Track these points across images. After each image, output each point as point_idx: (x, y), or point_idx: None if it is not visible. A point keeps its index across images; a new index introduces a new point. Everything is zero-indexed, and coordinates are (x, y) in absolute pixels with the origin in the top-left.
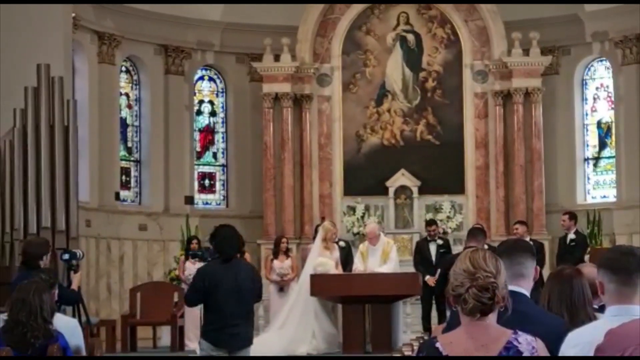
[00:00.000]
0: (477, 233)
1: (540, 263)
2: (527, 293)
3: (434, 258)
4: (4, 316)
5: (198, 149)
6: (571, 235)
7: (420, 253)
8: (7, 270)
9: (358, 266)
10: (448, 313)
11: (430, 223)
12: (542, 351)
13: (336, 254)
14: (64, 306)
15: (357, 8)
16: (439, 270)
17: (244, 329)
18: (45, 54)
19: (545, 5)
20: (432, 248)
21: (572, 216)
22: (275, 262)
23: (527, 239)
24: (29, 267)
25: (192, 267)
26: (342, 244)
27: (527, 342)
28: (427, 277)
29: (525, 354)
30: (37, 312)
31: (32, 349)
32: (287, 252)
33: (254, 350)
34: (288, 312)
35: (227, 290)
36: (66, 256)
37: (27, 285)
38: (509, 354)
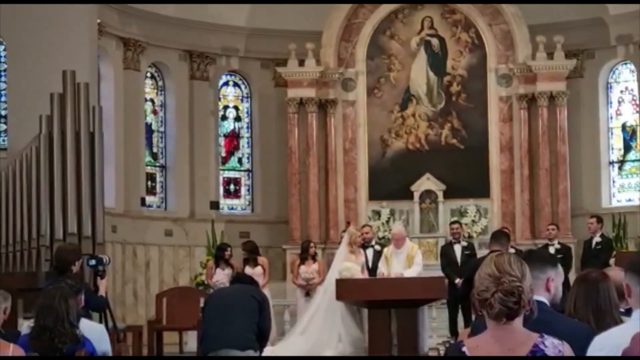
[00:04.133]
0: (500, 237)
1: (567, 267)
2: (547, 301)
3: (459, 260)
4: (31, 322)
5: (223, 154)
6: (597, 239)
7: (445, 256)
8: (34, 276)
9: (382, 270)
10: (474, 317)
11: (453, 222)
12: (569, 355)
13: (362, 258)
14: (91, 312)
15: (381, 13)
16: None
17: None
18: (71, 61)
19: (569, 9)
20: (457, 250)
21: (599, 219)
22: (302, 266)
23: (555, 242)
24: (60, 273)
25: (221, 274)
26: (377, 247)
27: (553, 346)
28: (457, 280)
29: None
30: (63, 318)
31: (60, 354)
32: (314, 257)
33: (278, 354)
34: (311, 317)
35: None
36: (92, 262)
37: (52, 291)
38: (535, 357)
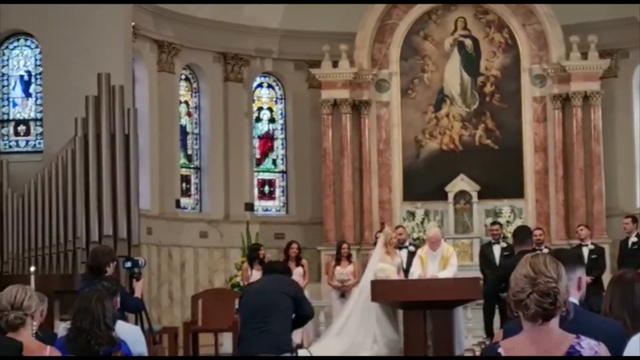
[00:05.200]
0: (525, 237)
1: (601, 268)
2: (577, 301)
3: (497, 261)
4: (67, 324)
5: (257, 156)
6: (633, 239)
7: (484, 256)
8: (70, 278)
9: (416, 271)
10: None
11: (493, 223)
12: (605, 356)
13: (398, 259)
14: (127, 314)
15: (415, 14)
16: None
17: None
18: (106, 63)
19: (603, 8)
20: (496, 251)
21: (635, 220)
22: (337, 267)
23: (589, 242)
24: (95, 275)
25: (257, 275)
26: (411, 248)
27: (589, 347)
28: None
29: None
30: (100, 320)
31: (96, 356)
32: (349, 258)
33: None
34: (346, 318)
35: None
36: (128, 264)
37: (88, 294)
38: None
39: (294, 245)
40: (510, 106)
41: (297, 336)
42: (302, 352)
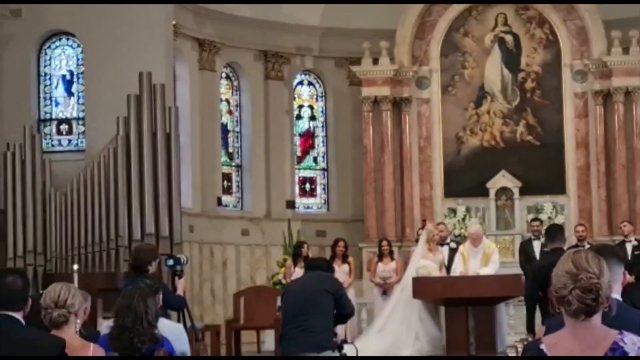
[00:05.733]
0: (558, 234)
1: None
2: (619, 297)
3: (538, 257)
4: (110, 322)
5: (298, 154)
6: None
7: (525, 253)
8: (113, 276)
9: (458, 268)
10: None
11: (534, 220)
12: None
13: (440, 256)
14: (170, 311)
15: (455, 10)
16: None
17: None
18: (147, 62)
19: None
20: (537, 247)
21: None
22: (380, 264)
23: (632, 238)
24: (137, 273)
25: (300, 272)
26: (452, 245)
27: (632, 343)
28: None
29: (631, 354)
30: (142, 317)
31: (139, 354)
32: (391, 255)
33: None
34: (388, 315)
35: None
36: (170, 262)
37: (131, 291)
38: (614, 354)
39: (341, 243)
40: (552, 102)
41: (340, 331)
42: (347, 348)
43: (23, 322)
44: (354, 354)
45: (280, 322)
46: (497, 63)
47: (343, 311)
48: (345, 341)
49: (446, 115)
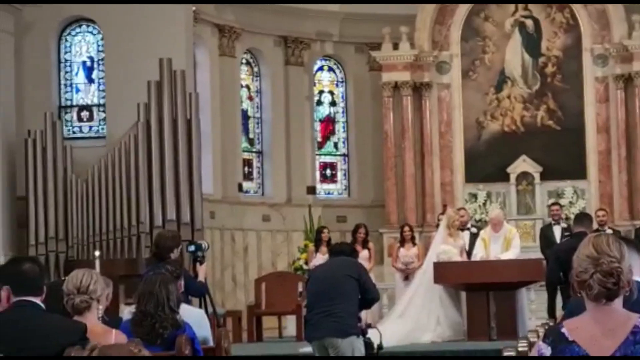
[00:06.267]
0: (583, 219)
1: None
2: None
3: (558, 241)
4: (132, 308)
5: (319, 139)
6: None
7: (545, 238)
8: (134, 262)
9: (479, 253)
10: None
11: (553, 204)
12: None
13: (461, 241)
14: (191, 297)
15: None
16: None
17: None
18: (167, 48)
19: None
20: (557, 232)
21: None
22: (401, 250)
23: None
24: (159, 260)
25: (321, 258)
26: (473, 230)
27: None
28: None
29: None
30: (164, 303)
31: (161, 339)
32: (412, 240)
33: (375, 338)
34: (409, 300)
35: None
36: (192, 248)
37: (153, 277)
38: (636, 338)
39: (361, 230)
40: (572, 87)
41: (362, 316)
42: (371, 332)
43: (43, 306)
44: (378, 338)
45: (305, 308)
46: (518, 47)
47: (368, 296)
48: (369, 325)
49: (467, 100)
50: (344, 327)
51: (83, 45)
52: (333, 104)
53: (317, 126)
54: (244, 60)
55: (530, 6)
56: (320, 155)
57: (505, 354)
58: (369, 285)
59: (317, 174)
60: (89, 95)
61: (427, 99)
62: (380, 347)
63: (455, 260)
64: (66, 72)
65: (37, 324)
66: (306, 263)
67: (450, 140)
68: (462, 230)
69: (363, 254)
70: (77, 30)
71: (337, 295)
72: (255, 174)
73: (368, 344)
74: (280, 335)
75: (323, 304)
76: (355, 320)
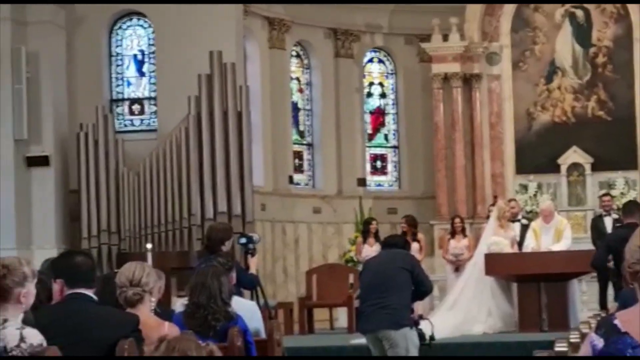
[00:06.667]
0: (633, 209)
1: None
2: None
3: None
4: (184, 300)
5: (369, 131)
6: None
7: (596, 229)
8: (186, 255)
9: (530, 244)
10: None
11: (604, 195)
12: None
13: (511, 233)
14: (243, 289)
15: None
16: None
17: None
18: (218, 41)
19: None
20: (608, 223)
21: None
22: (452, 241)
23: None
24: (211, 252)
25: (369, 249)
26: (524, 221)
27: None
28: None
29: None
30: (216, 295)
31: (214, 331)
32: (463, 232)
33: (427, 329)
34: (460, 292)
35: None
36: (243, 240)
37: (205, 270)
38: None
39: (403, 226)
40: (623, 77)
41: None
42: (424, 324)
43: (96, 299)
44: (430, 329)
45: (357, 300)
46: (568, 38)
47: (421, 288)
48: (421, 317)
49: (517, 91)
50: (397, 319)
51: (134, 38)
52: (383, 95)
53: (367, 118)
54: (294, 53)
55: None
56: (370, 147)
57: (557, 345)
58: (422, 277)
59: (368, 166)
60: (140, 88)
61: (477, 90)
62: (432, 338)
63: (506, 251)
64: (117, 66)
65: (90, 316)
66: (356, 254)
67: (501, 131)
68: (513, 221)
69: (414, 246)
70: (128, 23)
71: (390, 288)
72: (305, 166)
73: (420, 335)
74: (331, 327)
75: (376, 296)
76: (408, 312)
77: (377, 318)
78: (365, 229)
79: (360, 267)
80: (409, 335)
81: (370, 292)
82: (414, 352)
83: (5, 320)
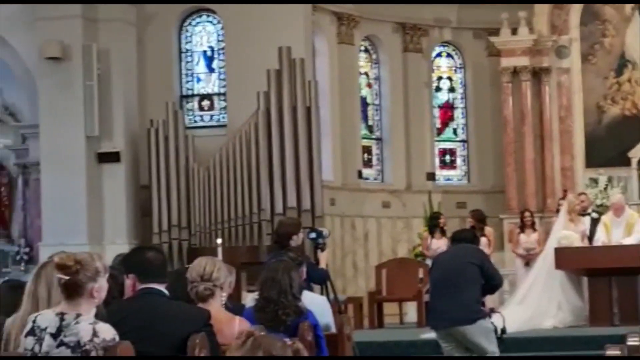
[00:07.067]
0: None
1: None
2: None
3: None
4: (255, 295)
5: (438, 126)
6: None
7: None
8: (256, 249)
9: (600, 238)
10: None
11: None
12: None
13: (582, 226)
14: (313, 284)
15: None
16: None
17: None
18: (286, 37)
19: None
20: None
21: None
22: (522, 236)
23: None
24: (281, 247)
25: (437, 244)
26: (594, 215)
27: None
28: None
29: None
30: (287, 290)
31: (284, 326)
32: (533, 226)
33: (499, 322)
34: (529, 286)
35: None
36: (313, 235)
37: (275, 264)
38: None
39: (470, 220)
40: None
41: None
42: (495, 316)
43: (168, 294)
44: (501, 322)
45: (426, 294)
46: (638, 31)
47: (492, 282)
48: (492, 310)
49: (586, 84)
50: (470, 314)
51: (203, 35)
52: (452, 90)
53: (436, 112)
54: (362, 48)
55: None
56: (439, 141)
57: (630, 339)
58: (492, 271)
59: (437, 160)
60: (209, 84)
61: (546, 83)
62: (503, 331)
63: (576, 245)
64: (187, 62)
65: (162, 311)
66: (423, 249)
67: (570, 125)
68: (583, 215)
69: (482, 241)
70: (198, 20)
71: (460, 283)
72: (374, 161)
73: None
74: (401, 321)
75: (447, 291)
76: (480, 306)
77: (449, 314)
78: (433, 224)
79: (427, 262)
80: (484, 325)
81: (441, 288)
82: (494, 341)
83: (78, 315)
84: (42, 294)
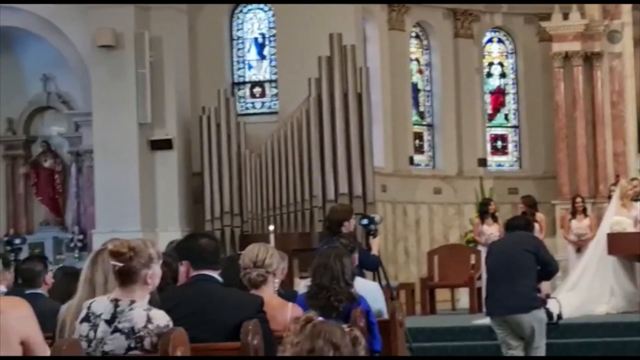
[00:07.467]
0: None
1: None
2: None
3: None
4: (307, 282)
5: (489, 111)
6: None
7: None
8: (308, 236)
9: None
10: None
11: None
12: None
13: (634, 212)
14: (365, 270)
15: None
16: None
17: None
18: (337, 24)
19: None
20: None
21: None
22: (573, 221)
23: None
24: (332, 233)
25: (488, 230)
26: None
27: None
28: None
29: None
30: (339, 277)
31: (337, 312)
32: (584, 212)
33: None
34: (581, 272)
35: None
36: (365, 221)
37: (327, 251)
38: None
39: (522, 206)
40: None
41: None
42: (551, 302)
43: (221, 280)
44: (557, 308)
45: (482, 281)
46: None
47: (548, 268)
48: (548, 296)
49: (639, 69)
50: (526, 302)
51: (254, 22)
52: (503, 75)
53: (487, 98)
54: (413, 34)
55: None
56: (490, 127)
57: None
58: (547, 257)
59: (488, 146)
60: (261, 71)
61: (598, 68)
62: (559, 317)
63: (629, 231)
64: (238, 49)
65: (215, 297)
66: (474, 235)
67: (623, 110)
68: (636, 200)
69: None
70: (249, 7)
71: (516, 271)
72: (426, 147)
73: (548, 314)
74: (453, 307)
75: (503, 279)
76: (536, 293)
77: (506, 302)
78: (483, 210)
79: (479, 248)
80: (538, 315)
81: (497, 276)
82: (544, 333)
83: (132, 302)
84: (99, 280)
